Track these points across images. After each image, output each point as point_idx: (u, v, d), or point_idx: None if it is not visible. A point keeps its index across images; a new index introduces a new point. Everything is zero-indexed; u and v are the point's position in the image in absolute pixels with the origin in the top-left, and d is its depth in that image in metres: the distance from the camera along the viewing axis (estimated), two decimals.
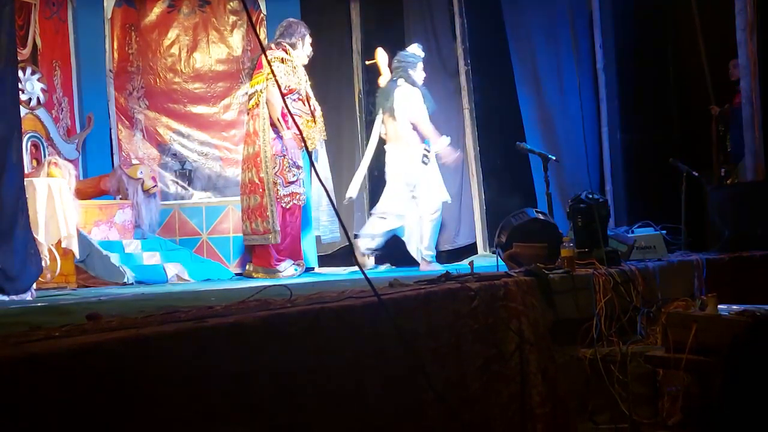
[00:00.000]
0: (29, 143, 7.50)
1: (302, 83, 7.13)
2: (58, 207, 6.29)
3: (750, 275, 5.72)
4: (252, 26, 8.72)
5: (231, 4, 8.96)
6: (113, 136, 8.61)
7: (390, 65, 7.77)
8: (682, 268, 5.59)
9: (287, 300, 2.95)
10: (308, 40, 7.28)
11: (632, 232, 5.76)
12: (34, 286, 4.96)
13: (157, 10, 8.93)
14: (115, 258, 6.73)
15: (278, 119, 6.91)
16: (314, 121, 7.22)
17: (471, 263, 4.85)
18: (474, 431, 3.43)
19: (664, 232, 5.86)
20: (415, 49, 7.74)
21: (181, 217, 8.43)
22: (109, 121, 8.61)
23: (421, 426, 3.11)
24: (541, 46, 8.50)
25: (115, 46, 8.76)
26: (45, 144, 7.71)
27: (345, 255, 8.62)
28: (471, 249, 8.96)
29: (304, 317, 2.65)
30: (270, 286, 3.46)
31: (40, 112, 7.71)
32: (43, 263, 5.72)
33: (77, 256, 6.52)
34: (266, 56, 6.83)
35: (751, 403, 3.45)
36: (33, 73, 7.68)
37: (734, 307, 3.97)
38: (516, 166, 8.58)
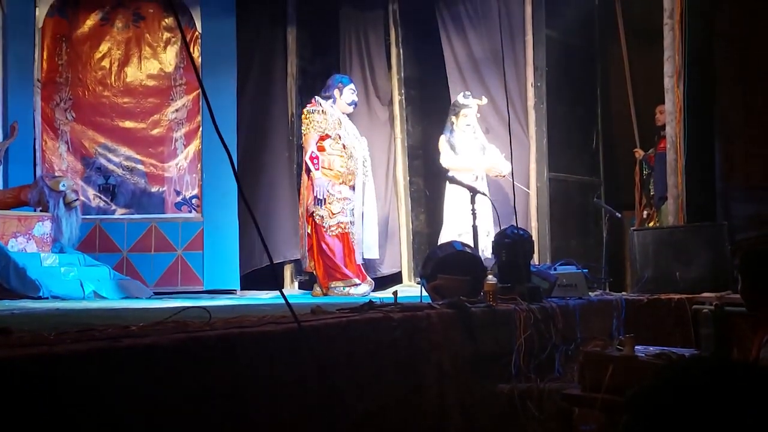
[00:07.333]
0: None
1: (336, 128, 7.71)
2: None
3: (667, 318, 5.82)
4: (185, 44, 8.62)
5: (166, 20, 8.86)
6: (37, 147, 8.41)
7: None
8: (601, 307, 5.66)
9: (206, 323, 2.90)
10: (349, 88, 7.86)
11: (555, 269, 5.80)
12: None
13: (90, 23, 8.78)
14: (31, 271, 6.56)
15: (306, 162, 7.64)
16: (351, 158, 7.72)
17: (395, 293, 4.83)
18: None
19: (585, 270, 5.92)
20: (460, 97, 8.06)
21: (102, 232, 8.28)
22: (34, 131, 8.40)
23: None
24: (474, 81, 8.60)
25: (45, 56, 8.58)
26: None
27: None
28: (396, 278, 8.96)
29: (222, 342, 2.61)
30: (189, 307, 3.41)
31: None
32: None
33: None
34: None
35: None
36: None
37: (651, 348, 4.04)
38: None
